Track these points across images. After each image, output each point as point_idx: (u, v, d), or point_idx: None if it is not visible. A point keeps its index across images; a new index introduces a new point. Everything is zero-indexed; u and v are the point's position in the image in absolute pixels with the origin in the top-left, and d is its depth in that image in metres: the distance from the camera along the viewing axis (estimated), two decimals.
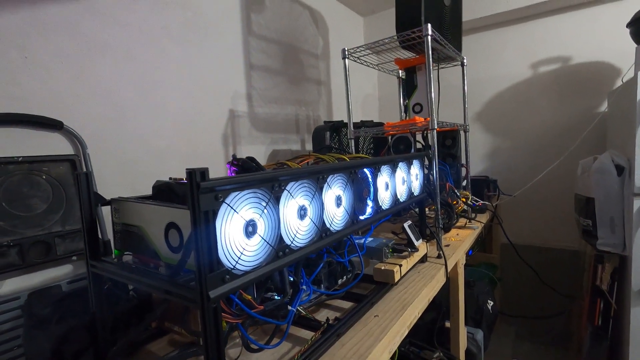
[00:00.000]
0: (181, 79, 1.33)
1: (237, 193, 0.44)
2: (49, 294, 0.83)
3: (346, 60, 1.29)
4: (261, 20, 1.70)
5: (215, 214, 0.42)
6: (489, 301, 1.80)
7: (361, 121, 1.75)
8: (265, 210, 0.49)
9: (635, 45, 1.52)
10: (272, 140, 1.79)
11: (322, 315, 0.82)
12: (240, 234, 0.46)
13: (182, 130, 1.34)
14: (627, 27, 1.61)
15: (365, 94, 2.60)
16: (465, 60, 1.56)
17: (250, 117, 1.66)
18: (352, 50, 1.29)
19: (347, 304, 0.86)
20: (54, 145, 1.01)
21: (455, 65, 1.61)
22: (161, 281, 0.47)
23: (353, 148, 1.36)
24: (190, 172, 0.40)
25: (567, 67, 2.09)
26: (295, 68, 1.93)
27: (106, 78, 1.11)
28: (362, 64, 1.43)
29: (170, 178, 0.72)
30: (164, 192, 0.64)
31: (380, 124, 1.81)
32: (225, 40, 1.52)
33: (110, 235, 0.69)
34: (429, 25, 1.10)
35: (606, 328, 1.54)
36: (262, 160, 1.74)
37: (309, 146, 2.02)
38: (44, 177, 0.97)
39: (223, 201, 0.42)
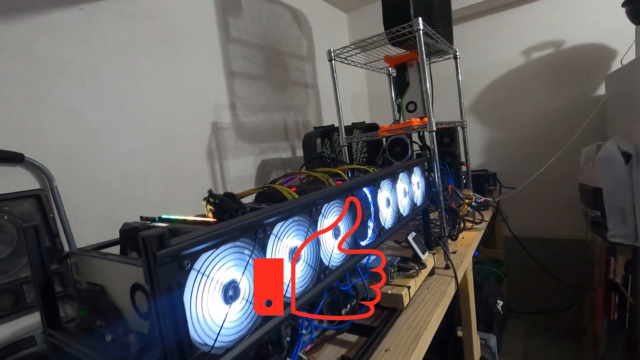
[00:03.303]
0: (156, 94, 1.23)
1: (210, 252, 0.35)
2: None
3: (333, 62, 1.20)
4: (239, 24, 1.60)
5: (181, 286, 0.33)
6: (498, 301, 1.73)
7: (352, 124, 1.66)
8: (248, 264, 0.40)
9: (634, 26, 1.45)
10: (261, 150, 1.69)
11: (326, 355, 0.73)
12: (219, 302, 0.37)
13: (162, 149, 1.24)
14: (622, 6, 1.53)
15: (354, 92, 2.51)
16: (457, 53, 1.48)
17: (235, 128, 1.56)
18: (338, 51, 1.20)
19: (352, 337, 0.78)
20: (16, 180, 0.91)
21: (447, 59, 1.53)
22: None
23: (347, 155, 1.27)
24: (144, 239, 0.31)
25: (559, 52, 2.02)
26: (279, 72, 1.83)
27: (71, 101, 1.00)
28: (349, 64, 1.34)
29: (141, 217, 0.63)
30: (131, 238, 0.54)
31: (373, 126, 1.73)
32: (201, 49, 1.41)
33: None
34: (420, 19, 1.01)
35: (623, 322, 1.47)
36: (251, 171, 1.65)
37: (299, 153, 1.92)
38: (6, 217, 0.87)
39: (191, 268, 0.33)
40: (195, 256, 0.34)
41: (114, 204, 1.10)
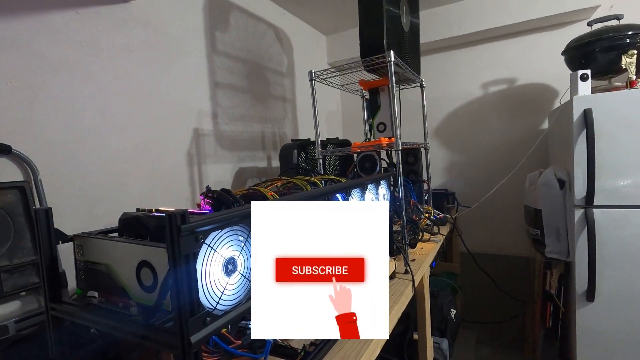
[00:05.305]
0: (143, 98, 1.29)
1: (217, 232, 0.44)
2: None
3: (313, 82, 1.32)
4: (226, 38, 1.70)
5: (195, 256, 0.41)
6: (452, 310, 1.88)
7: (327, 139, 1.79)
8: (244, 247, 0.49)
9: (570, 71, 1.69)
10: (239, 158, 1.77)
11: (298, 340, 0.81)
12: (221, 273, 0.45)
13: (145, 151, 1.29)
14: (562, 54, 1.79)
15: (328, 110, 2.66)
16: (424, 82, 1.65)
17: (216, 136, 1.63)
18: (318, 73, 1.32)
19: None
20: (1, 171, 0.93)
21: (414, 86, 1.70)
22: (136, 325, 0.45)
23: (321, 167, 1.38)
24: (170, 216, 0.39)
25: (512, 88, 2.28)
26: (260, 86, 1.93)
27: (62, 99, 1.05)
28: (327, 85, 1.47)
29: (137, 209, 0.69)
30: (133, 226, 0.61)
31: (346, 142, 1.87)
32: (189, 59, 1.49)
33: (67, 270, 0.65)
34: (392, 52, 1.16)
35: (556, 329, 1.66)
36: (228, 177, 1.71)
37: (275, 163, 2.01)
38: None
39: (203, 242, 0.42)
40: (206, 233, 0.43)
41: (94, 202, 1.13)
